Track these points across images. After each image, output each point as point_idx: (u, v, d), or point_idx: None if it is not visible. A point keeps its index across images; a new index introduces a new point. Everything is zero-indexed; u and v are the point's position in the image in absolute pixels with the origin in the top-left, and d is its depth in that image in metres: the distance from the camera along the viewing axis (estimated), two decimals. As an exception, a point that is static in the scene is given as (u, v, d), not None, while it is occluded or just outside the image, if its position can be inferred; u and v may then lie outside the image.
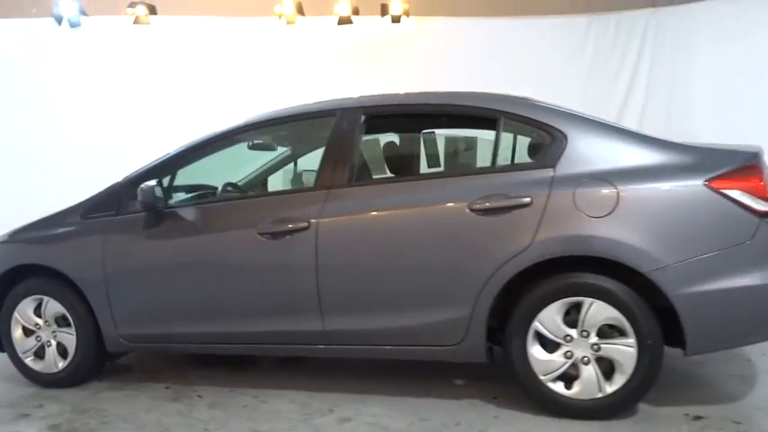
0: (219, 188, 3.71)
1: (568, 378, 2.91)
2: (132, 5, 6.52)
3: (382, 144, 3.87)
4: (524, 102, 3.25)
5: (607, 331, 2.84)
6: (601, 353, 2.84)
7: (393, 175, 3.68)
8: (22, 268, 3.64)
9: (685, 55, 6.20)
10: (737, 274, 2.72)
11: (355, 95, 3.51)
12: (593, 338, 2.85)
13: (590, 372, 2.85)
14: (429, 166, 3.84)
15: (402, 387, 3.38)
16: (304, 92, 5.46)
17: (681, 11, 6.28)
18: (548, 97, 3.36)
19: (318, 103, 3.55)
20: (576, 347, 2.86)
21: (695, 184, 2.76)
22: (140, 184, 3.31)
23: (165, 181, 3.47)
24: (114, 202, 3.49)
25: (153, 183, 3.27)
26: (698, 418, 2.88)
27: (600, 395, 2.86)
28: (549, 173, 2.92)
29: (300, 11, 6.55)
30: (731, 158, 2.84)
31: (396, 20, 6.61)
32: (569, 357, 2.87)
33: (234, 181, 3.87)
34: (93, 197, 3.60)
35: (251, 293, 3.24)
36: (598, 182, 2.84)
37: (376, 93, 3.53)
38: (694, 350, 2.80)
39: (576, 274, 2.86)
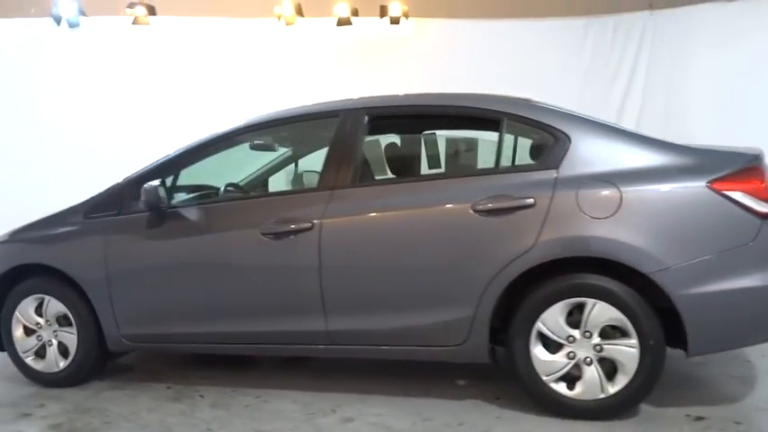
0: (222, 188, 3.72)
1: (571, 379, 2.92)
2: (131, 6, 6.50)
3: (385, 145, 3.87)
4: (527, 103, 3.26)
5: (609, 332, 2.86)
6: (603, 353, 2.85)
7: (396, 176, 3.69)
8: (23, 268, 3.63)
9: (683, 57, 6.21)
10: (739, 276, 2.74)
11: (356, 96, 3.52)
12: (596, 339, 2.86)
13: (592, 372, 2.87)
14: (433, 167, 3.86)
15: (404, 387, 3.39)
16: (303, 93, 5.45)
17: (678, 13, 6.30)
18: (546, 99, 3.38)
19: (321, 103, 3.56)
20: (578, 348, 2.88)
21: (697, 186, 2.78)
22: (143, 183, 3.31)
23: (168, 181, 3.47)
24: (117, 202, 3.49)
25: (156, 183, 3.28)
26: (699, 418, 2.90)
27: (602, 396, 2.87)
28: (552, 174, 2.93)
29: (300, 12, 6.55)
30: (733, 160, 2.86)
31: (395, 21, 6.62)
32: (572, 358, 2.89)
33: (236, 181, 3.87)
34: (95, 197, 3.60)
35: (254, 293, 3.24)
36: (601, 183, 2.85)
37: (375, 94, 3.54)
38: (696, 351, 2.81)
39: (579, 274, 2.88)
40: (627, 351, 2.82)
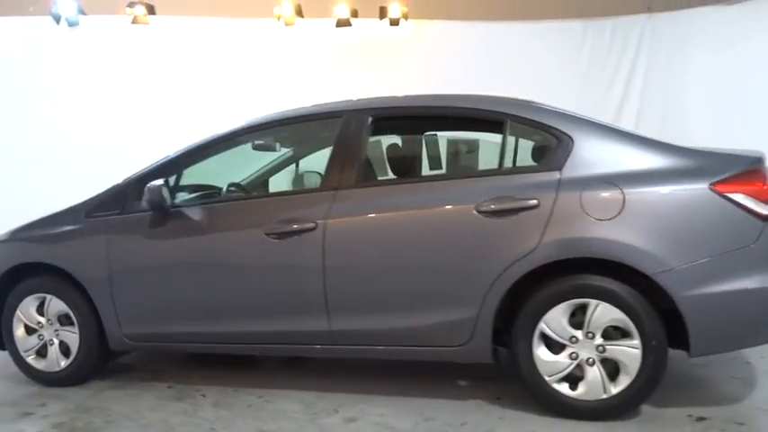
0: (224, 188, 3.72)
1: (573, 379, 2.93)
2: (131, 5, 6.49)
3: (389, 146, 3.88)
4: (531, 105, 3.28)
5: (612, 333, 2.87)
6: (606, 354, 2.87)
7: (400, 177, 3.70)
8: (24, 267, 3.63)
9: (680, 60, 6.25)
10: (741, 277, 2.76)
11: (355, 97, 3.53)
12: (599, 340, 2.88)
13: (595, 373, 2.88)
14: (436, 168, 3.87)
15: (406, 387, 3.40)
16: (302, 93, 5.45)
17: (676, 16, 6.34)
18: (544, 101, 3.39)
19: (325, 104, 3.56)
20: (581, 349, 2.89)
21: (700, 188, 2.80)
22: (146, 183, 3.31)
23: (171, 180, 3.47)
24: (119, 201, 3.49)
25: (160, 182, 3.28)
26: (701, 419, 2.92)
27: (605, 396, 2.89)
28: (555, 175, 2.95)
29: (299, 13, 6.56)
30: (735, 163, 2.88)
31: (394, 23, 6.64)
32: (574, 358, 2.90)
33: (239, 181, 3.87)
34: (97, 196, 3.59)
35: (257, 293, 3.25)
36: (604, 185, 2.87)
37: (374, 95, 3.55)
38: (698, 352, 2.83)
39: (582, 275, 2.89)
40: (629, 352, 2.84)
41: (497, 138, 3.21)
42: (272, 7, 6.57)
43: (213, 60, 6.62)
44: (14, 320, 3.65)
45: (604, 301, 2.84)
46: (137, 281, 3.42)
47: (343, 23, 6.60)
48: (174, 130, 5.95)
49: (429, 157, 3.91)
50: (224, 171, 3.80)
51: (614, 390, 2.87)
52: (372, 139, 3.49)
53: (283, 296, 3.22)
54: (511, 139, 3.22)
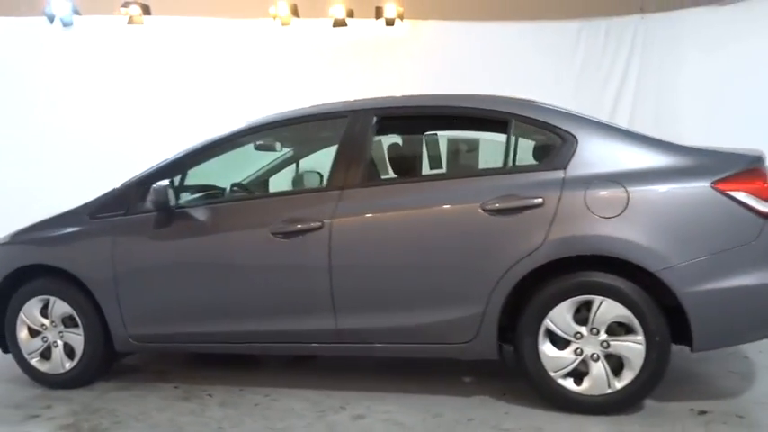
0: (227, 189, 3.73)
1: (578, 374, 2.98)
2: (126, 5, 6.47)
3: (394, 145, 3.91)
4: (534, 104, 3.32)
5: (616, 328, 2.92)
6: (610, 350, 2.92)
7: (405, 176, 3.72)
8: (27, 269, 3.62)
9: (674, 61, 6.29)
10: (742, 274, 2.82)
11: (351, 97, 3.57)
12: (603, 336, 2.92)
13: (599, 368, 2.93)
14: (441, 168, 3.90)
15: (410, 384, 3.43)
16: (298, 93, 5.50)
17: (669, 17, 6.39)
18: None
19: (330, 104, 3.59)
20: (585, 344, 2.94)
21: (702, 186, 2.85)
22: (151, 184, 3.32)
23: (176, 181, 3.48)
24: (124, 202, 3.49)
25: (166, 183, 3.28)
26: (702, 412, 2.98)
27: (609, 391, 2.93)
28: (560, 174, 2.99)
29: (295, 13, 6.57)
30: (736, 161, 2.94)
31: (390, 23, 6.66)
32: (579, 354, 2.95)
33: (244, 181, 3.88)
34: (101, 197, 3.60)
35: (264, 293, 3.27)
36: (608, 183, 2.92)
37: (370, 95, 3.58)
38: (700, 347, 2.89)
39: (587, 272, 2.94)
40: (633, 347, 2.88)
41: (500, 137, 3.25)
42: (268, 7, 6.57)
43: (209, 60, 6.60)
44: (18, 323, 3.65)
45: (609, 297, 2.89)
46: (142, 281, 3.42)
47: (338, 23, 6.61)
48: (170, 130, 5.99)
49: (434, 156, 3.95)
50: (228, 171, 3.81)
51: (618, 385, 2.92)
52: (377, 138, 3.52)
53: (290, 295, 3.24)
54: (515, 139, 3.26)
